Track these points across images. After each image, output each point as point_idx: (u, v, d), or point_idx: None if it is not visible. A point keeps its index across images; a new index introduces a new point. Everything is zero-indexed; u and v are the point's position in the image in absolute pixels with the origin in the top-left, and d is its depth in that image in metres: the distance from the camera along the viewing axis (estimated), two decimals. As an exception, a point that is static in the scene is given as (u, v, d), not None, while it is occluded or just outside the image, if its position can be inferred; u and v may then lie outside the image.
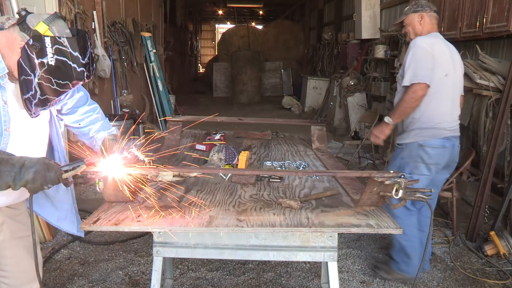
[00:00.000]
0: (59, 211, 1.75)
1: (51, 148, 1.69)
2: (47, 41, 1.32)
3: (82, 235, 1.84)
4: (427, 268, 2.94)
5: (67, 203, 1.78)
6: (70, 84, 1.40)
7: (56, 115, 1.72)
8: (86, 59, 1.39)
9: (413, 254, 2.70)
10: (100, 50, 5.62)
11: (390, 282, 2.83)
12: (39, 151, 1.61)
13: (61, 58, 1.34)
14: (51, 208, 1.72)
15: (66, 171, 1.39)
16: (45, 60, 1.33)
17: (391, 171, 1.67)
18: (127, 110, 6.44)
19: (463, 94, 2.74)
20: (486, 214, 3.41)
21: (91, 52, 1.43)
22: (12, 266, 1.66)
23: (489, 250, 3.10)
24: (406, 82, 2.48)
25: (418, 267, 2.52)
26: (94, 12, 5.60)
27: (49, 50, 1.32)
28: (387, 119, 2.60)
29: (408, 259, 2.72)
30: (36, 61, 1.33)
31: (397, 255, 2.77)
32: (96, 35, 5.62)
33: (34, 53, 1.32)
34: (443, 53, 2.54)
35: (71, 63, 1.36)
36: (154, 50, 7.99)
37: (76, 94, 1.73)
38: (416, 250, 2.71)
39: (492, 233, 3.13)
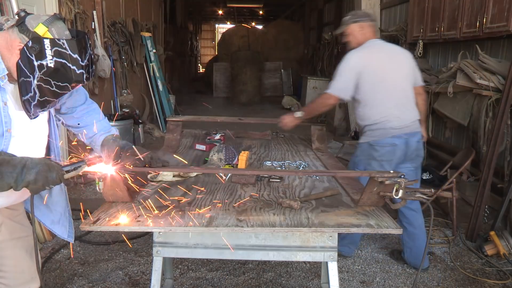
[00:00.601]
0: (53, 213, 1.74)
1: (48, 148, 1.69)
2: (46, 43, 1.32)
3: (72, 241, 1.83)
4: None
5: (61, 206, 1.77)
6: (69, 86, 1.40)
7: (55, 115, 1.71)
8: (85, 61, 1.39)
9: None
10: (100, 50, 5.62)
11: (390, 282, 2.83)
12: (39, 151, 1.61)
13: (60, 60, 1.34)
14: (46, 210, 1.72)
15: (67, 172, 1.39)
16: (44, 62, 1.33)
17: (391, 171, 1.67)
18: (127, 110, 6.45)
19: (422, 84, 2.92)
20: (486, 214, 3.41)
21: (90, 53, 1.43)
22: (10, 267, 1.66)
23: (489, 250, 3.10)
24: (326, 90, 2.73)
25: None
26: (94, 12, 5.61)
27: (48, 52, 1.32)
28: (298, 113, 2.81)
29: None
30: (35, 63, 1.33)
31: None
32: (96, 35, 5.62)
33: (33, 55, 1.32)
34: (375, 62, 2.70)
35: (70, 65, 1.35)
36: (154, 50, 7.99)
37: (75, 94, 1.73)
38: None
39: (492, 233, 3.13)
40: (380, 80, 2.69)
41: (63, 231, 1.79)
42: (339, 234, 2.86)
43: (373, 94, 2.69)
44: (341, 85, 2.69)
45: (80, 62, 1.37)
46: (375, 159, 2.73)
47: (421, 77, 2.94)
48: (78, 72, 1.38)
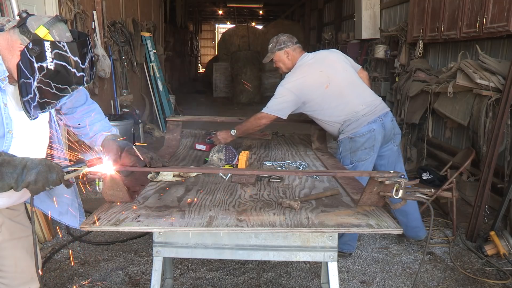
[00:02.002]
0: (60, 205, 1.74)
1: (50, 148, 1.69)
2: (47, 45, 1.32)
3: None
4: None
5: (66, 197, 1.77)
6: (69, 89, 1.40)
7: (56, 115, 1.72)
8: (86, 63, 1.39)
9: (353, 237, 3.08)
10: (100, 50, 5.62)
11: (390, 281, 2.83)
12: (40, 152, 1.61)
13: (61, 62, 1.34)
14: (52, 202, 1.72)
15: (67, 172, 1.39)
16: (44, 64, 1.32)
17: (391, 171, 1.67)
18: (127, 110, 6.45)
19: (360, 68, 3.05)
20: (486, 214, 3.41)
21: (91, 56, 1.43)
22: (10, 267, 1.66)
23: (489, 250, 3.10)
24: (263, 110, 2.80)
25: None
26: (94, 12, 5.60)
27: (49, 55, 1.32)
28: (233, 131, 2.85)
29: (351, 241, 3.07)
30: (36, 65, 1.32)
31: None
32: (96, 35, 5.62)
33: (33, 57, 1.32)
34: (311, 76, 2.79)
35: (70, 67, 1.35)
36: (154, 50, 7.98)
37: (76, 94, 1.73)
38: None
39: (492, 233, 3.13)
40: (325, 87, 2.77)
41: (74, 220, 1.80)
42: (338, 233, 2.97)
43: (330, 98, 2.78)
44: (278, 106, 2.76)
45: (81, 65, 1.37)
46: (359, 149, 2.80)
47: (356, 64, 3.09)
48: (78, 74, 1.38)
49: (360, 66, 3.10)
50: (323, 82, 2.78)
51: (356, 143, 2.80)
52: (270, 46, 2.98)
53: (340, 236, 2.97)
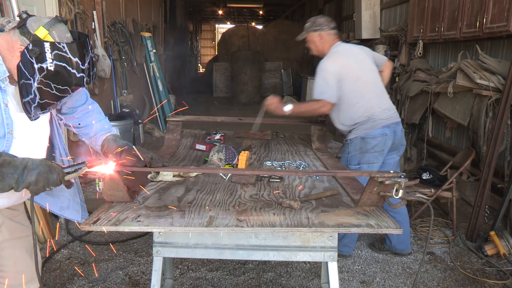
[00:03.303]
0: (60, 199, 1.74)
1: (51, 147, 1.69)
2: (47, 46, 1.32)
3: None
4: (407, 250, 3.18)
5: (67, 192, 1.77)
6: (69, 90, 1.40)
7: (56, 115, 1.72)
8: (86, 64, 1.39)
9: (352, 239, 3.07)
10: (100, 50, 5.62)
11: (390, 281, 2.83)
12: (40, 152, 1.61)
13: (61, 63, 1.34)
14: (51, 198, 1.72)
15: (68, 173, 1.39)
16: (44, 65, 1.33)
17: (391, 171, 1.67)
18: (127, 110, 6.45)
19: (386, 60, 3.09)
20: (486, 214, 3.41)
21: (91, 56, 1.43)
22: (10, 267, 1.66)
23: (489, 250, 3.10)
24: (316, 96, 2.78)
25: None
26: (94, 12, 5.60)
27: (49, 56, 1.32)
28: (288, 107, 2.79)
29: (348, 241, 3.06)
30: (36, 66, 1.33)
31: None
32: (96, 35, 5.62)
33: (33, 58, 1.32)
34: (345, 65, 2.80)
35: (70, 68, 1.35)
36: (154, 50, 7.98)
37: (76, 94, 1.73)
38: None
39: (492, 233, 3.13)
40: (355, 79, 2.80)
41: (75, 215, 1.80)
42: (338, 234, 2.99)
43: (353, 94, 2.79)
44: (329, 91, 2.75)
45: (81, 66, 1.37)
46: (368, 151, 2.81)
47: (382, 56, 3.13)
48: (78, 75, 1.38)
49: (386, 58, 3.13)
50: (355, 74, 2.80)
51: (367, 145, 2.80)
52: (306, 25, 2.97)
53: (340, 238, 2.97)
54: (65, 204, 1.76)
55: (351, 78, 2.78)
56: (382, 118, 2.81)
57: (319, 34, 2.89)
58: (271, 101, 2.84)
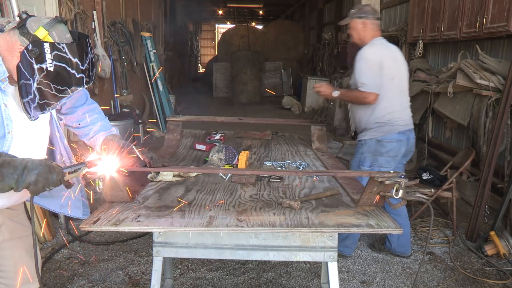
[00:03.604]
0: (60, 198, 1.74)
1: (50, 148, 1.69)
2: (46, 47, 1.31)
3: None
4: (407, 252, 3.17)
5: (66, 190, 1.77)
6: (69, 90, 1.40)
7: (56, 115, 1.71)
8: (85, 65, 1.38)
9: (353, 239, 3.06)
10: (100, 50, 5.62)
11: (390, 281, 2.83)
12: (40, 153, 1.61)
13: (60, 64, 1.34)
14: (50, 197, 1.71)
15: (68, 173, 1.39)
16: (44, 66, 1.32)
17: (391, 171, 1.67)
18: (127, 110, 6.44)
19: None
20: (486, 214, 3.41)
21: (91, 57, 1.42)
22: (10, 267, 1.66)
23: (489, 250, 3.10)
24: (361, 86, 2.73)
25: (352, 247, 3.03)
26: (94, 12, 5.61)
27: (48, 56, 1.32)
28: (336, 93, 2.89)
29: (348, 241, 3.05)
30: (35, 66, 1.32)
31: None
32: (96, 35, 5.62)
33: (33, 58, 1.32)
34: (387, 60, 2.77)
35: (70, 69, 1.35)
36: (154, 50, 7.98)
37: (76, 94, 1.73)
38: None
39: (492, 233, 3.13)
40: (392, 77, 2.77)
41: (77, 212, 1.80)
42: (340, 235, 3.00)
43: (386, 90, 2.76)
44: (373, 81, 2.70)
45: (80, 67, 1.37)
46: (382, 155, 2.82)
47: None
48: (78, 76, 1.37)
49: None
50: (393, 72, 2.78)
51: (382, 148, 2.81)
52: (351, 11, 2.94)
53: (343, 239, 2.99)
54: (66, 202, 1.76)
55: (388, 76, 2.75)
56: (400, 124, 2.81)
57: (363, 22, 2.84)
58: (324, 86, 2.93)
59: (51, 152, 1.70)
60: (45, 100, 1.39)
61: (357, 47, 2.94)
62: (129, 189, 1.71)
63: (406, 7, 5.96)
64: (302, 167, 2.44)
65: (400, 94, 2.87)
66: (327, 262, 1.68)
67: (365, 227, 1.56)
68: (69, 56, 1.34)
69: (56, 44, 1.33)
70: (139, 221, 1.56)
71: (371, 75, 2.71)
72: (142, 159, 1.68)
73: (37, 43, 1.31)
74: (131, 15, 7.35)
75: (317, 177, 2.18)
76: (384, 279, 2.86)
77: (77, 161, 1.64)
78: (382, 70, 2.72)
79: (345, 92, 2.91)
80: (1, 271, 1.66)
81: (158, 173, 2.02)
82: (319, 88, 2.96)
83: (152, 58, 7.84)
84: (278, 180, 2.11)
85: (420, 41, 5.13)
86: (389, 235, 3.11)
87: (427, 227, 3.64)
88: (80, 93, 1.75)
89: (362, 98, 2.75)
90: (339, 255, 2.97)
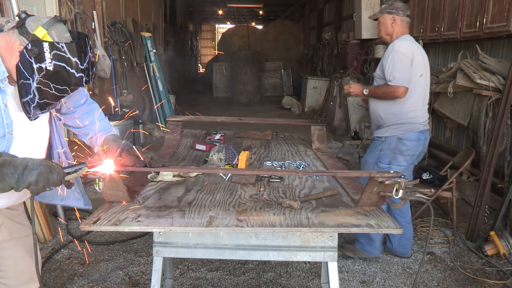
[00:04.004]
0: (61, 191, 1.74)
1: (50, 146, 1.69)
2: (45, 46, 1.31)
3: (90, 207, 1.83)
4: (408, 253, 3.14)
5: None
6: (68, 89, 1.40)
7: (56, 115, 1.71)
8: (85, 64, 1.38)
9: (376, 238, 2.95)
10: (100, 50, 5.62)
11: (390, 281, 2.83)
12: (40, 152, 1.61)
13: (59, 63, 1.34)
14: (51, 192, 1.72)
15: (68, 173, 1.39)
16: (43, 65, 1.32)
17: (391, 171, 1.67)
18: (127, 110, 6.44)
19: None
20: (486, 214, 3.41)
21: (90, 56, 1.42)
22: (10, 267, 1.66)
23: (489, 250, 3.10)
24: (391, 79, 2.71)
25: (379, 247, 2.96)
26: (94, 12, 5.60)
27: (47, 56, 1.32)
28: (366, 91, 2.89)
29: (371, 242, 2.97)
30: (35, 66, 1.32)
31: (362, 237, 3.01)
32: (96, 35, 5.62)
33: (32, 57, 1.32)
34: (417, 56, 2.76)
35: (69, 68, 1.35)
36: (154, 50, 7.98)
37: (76, 94, 1.73)
38: (379, 234, 2.92)
39: (492, 233, 3.13)
40: (420, 74, 2.77)
41: (78, 203, 1.80)
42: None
43: (414, 86, 2.75)
44: (403, 74, 2.68)
45: (79, 66, 1.37)
46: (402, 153, 2.81)
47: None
48: (77, 75, 1.37)
49: None
50: (421, 70, 2.78)
51: (402, 146, 2.80)
52: (383, 6, 2.94)
53: (372, 240, 2.95)
54: (65, 195, 1.76)
55: (417, 72, 2.75)
56: (421, 122, 2.82)
57: (393, 18, 2.82)
58: (354, 86, 2.95)
59: (50, 152, 1.70)
60: (45, 100, 1.39)
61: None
62: (129, 189, 1.71)
63: (406, 7, 5.96)
64: (302, 167, 2.44)
65: (425, 93, 2.87)
66: (327, 262, 1.68)
67: (365, 227, 1.56)
68: (69, 55, 1.34)
69: (55, 43, 1.33)
70: (139, 221, 1.56)
71: (401, 68, 2.68)
72: (142, 159, 1.68)
73: (36, 42, 1.31)
74: (131, 15, 7.35)
75: (318, 177, 2.18)
76: (384, 279, 2.86)
77: (77, 161, 1.64)
78: (412, 65, 2.71)
79: (374, 88, 2.87)
80: (1, 271, 1.66)
81: (158, 173, 2.02)
82: (350, 89, 2.97)
83: (152, 58, 7.84)
84: (278, 180, 2.11)
85: (420, 41, 5.11)
86: (390, 235, 3.10)
87: (427, 227, 3.64)
88: (80, 93, 1.75)
89: (391, 93, 2.72)
90: (373, 259, 3.03)
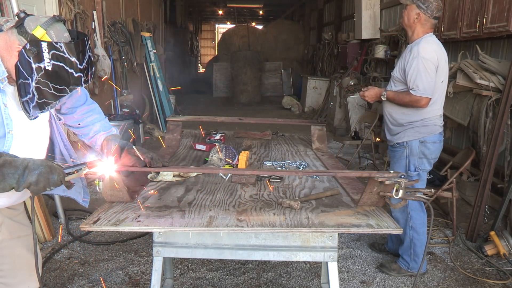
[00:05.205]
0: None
1: (51, 144, 1.69)
2: (44, 46, 1.31)
3: (87, 206, 1.83)
4: (424, 270, 2.98)
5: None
6: (67, 89, 1.40)
7: (55, 114, 1.71)
8: (84, 64, 1.38)
9: (419, 252, 2.82)
10: (100, 50, 5.62)
11: (390, 282, 2.83)
12: (40, 152, 1.61)
13: (58, 63, 1.33)
14: None
15: (68, 174, 1.39)
16: (42, 65, 1.32)
17: (391, 171, 1.67)
18: (127, 110, 6.45)
19: None
20: (486, 214, 3.41)
21: (89, 56, 1.42)
22: (9, 265, 1.66)
23: (489, 250, 3.10)
24: (415, 88, 2.59)
25: (425, 261, 2.82)
26: (94, 12, 5.61)
27: (46, 55, 1.31)
28: (384, 96, 2.77)
29: (415, 257, 2.84)
30: (33, 66, 1.32)
31: (405, 253, 2.88)
32: (96, 35, 5.62)
33: (31, 57, 1.32)
34: (442, 61, 2.64)
35: (68, 68, 1.35)
36: (154, 50, 7.98)
37: (75, 94, 1.73)
38: (422, 247, 2.82)
39: (492, 233, 3.13)
40: (442, 79, 2.67)
41: (77, 196, 1.80)
42: (411, 249, 2.85)
43: (438, 91, 2.67)
44: (429, 85, 2.57)
45: (78, 66, 1.36)
46: (426, 157, 2.72)
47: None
48: (76, 75, 1.37)
49: None
50: (443, 74, 2.67)
51: (426, 149, 2.70)
52: None
53: (412, 253, 2.84)
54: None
55: (440, 78, 2.64)
56: (439, 124, 2.74)
57: (419, 13, 2.67)
58: (371, 91, 2.83)
59: (51, 148, 1.70)
60: (44, 99, 1.39)
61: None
62: (129, 189, 1.71)
63: (406, 7, 5.95)
64: (302, 167, 2.44)
65: (443, 95, 2.76)
66: (327, 262, 1.68)
67: (365, 227, 1.56)
68: (67, 55, 1.34)
69: (54, 43, 1.32)
70: (139, 221, 1.56)
71: (427, 78, 2.56)
72: (142, 159, 1.68)
73: (35, 42, 1.31)
74: (131, 15, 7.35)
75: (318, 177, 2.18)
76: (384, 279, 2.86)
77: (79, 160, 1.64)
78: (437, 72, 2.61)
79: (394, 95, 2.72)
80: (1, 270, 1.66)
81: (158, 173, 2.02)
82: (366, 92, 2.85)
83: (152, 58, 7.84)
84: (278, 180, 2.11)
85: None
86: (402, 252, 2.94)
87: (427, 227, 3.64)
88: (80, 93, 1.75)
89: (413, 102, 2.61)
90: (408, 274, 2.85)
